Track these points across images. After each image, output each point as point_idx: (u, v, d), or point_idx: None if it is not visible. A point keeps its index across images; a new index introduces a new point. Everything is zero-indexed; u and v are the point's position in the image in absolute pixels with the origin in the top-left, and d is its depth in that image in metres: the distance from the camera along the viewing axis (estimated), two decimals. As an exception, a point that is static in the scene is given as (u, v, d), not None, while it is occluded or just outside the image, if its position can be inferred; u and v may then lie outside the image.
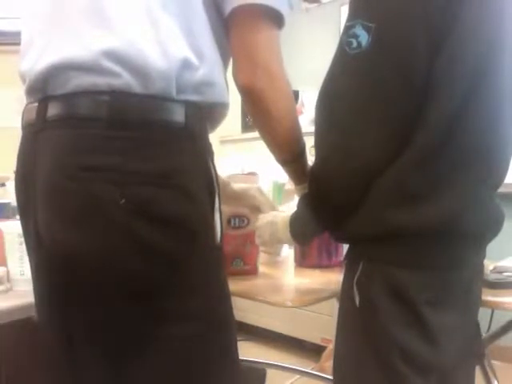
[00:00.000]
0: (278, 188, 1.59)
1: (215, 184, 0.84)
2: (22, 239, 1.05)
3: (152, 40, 0.75)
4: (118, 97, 0.74)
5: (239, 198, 1.15)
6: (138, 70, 0.74)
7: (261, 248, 1.33)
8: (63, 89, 0.76)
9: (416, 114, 0.76)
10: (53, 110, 0.77)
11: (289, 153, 0.95)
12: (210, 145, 0.86)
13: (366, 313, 0.81)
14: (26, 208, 0.83)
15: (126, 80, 0.74)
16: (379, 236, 0.80)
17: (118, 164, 0.73)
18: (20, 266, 1.09)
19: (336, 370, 0.89)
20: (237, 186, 1.16)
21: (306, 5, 2.92)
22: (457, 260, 0.82)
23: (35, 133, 0.80)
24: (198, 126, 0.82)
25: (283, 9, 0.82)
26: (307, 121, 2.47)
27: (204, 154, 0.83)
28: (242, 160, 2.79)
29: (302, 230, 0.96)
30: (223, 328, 0.86)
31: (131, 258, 0.75)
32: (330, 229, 0.92)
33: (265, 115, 0.87)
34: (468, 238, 0.81)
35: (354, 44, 0.75)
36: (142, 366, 0.79)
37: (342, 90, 0.79)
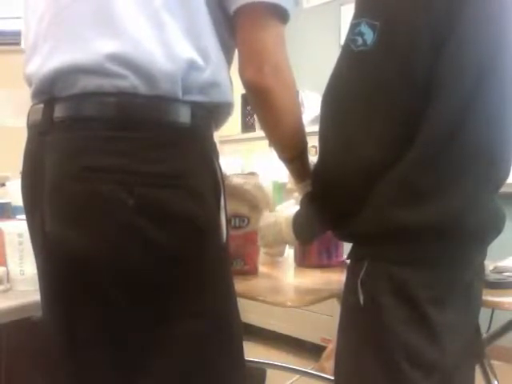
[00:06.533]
0: (278, 188, 1.59)
1: (221, 184, 0.85)
2: (22, 239, 1.06)
3: (157, 42, 0.75)
4: (124, 98, 0.75)
5: (236, 192, 1.15)
6: (144, 72, 0.75)
7: (264, 249, 1.33)
8: (69, 90, 0.76)
9: (419, 114, 0.76)
10: (59, 112, 0.77)
11: (292, 150, 0.95)
12: (215, 145, 0.87)
13: (370, 312, 0.81)
14: (33, 208, 0.83)
15: (132, 82, 0.74)
16: (382, 235, 0.80)
17: (124, 165, 0.74)
18: (20, 266, 1.08)
19: (337, 369, 0.89)
20: (234, 180, 1.16)
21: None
22: (458, 259, 0.82)
23: (41, 134, 0.80)
24: (203, 127, 0.82)
25: (288, 5, 0.82)
26: (307, 120, 2.47)
27: (210, 154, 0.84)
28: (241, 160, 2.79)
29: (306, 230, 0.96)
30: (228, 328, 0.86)
31: (137, 259, 0.75)
32: (333, 228, 0.92)
33: (270, 112, 0.88)
34: (469, 238, 0.81)
35: (360, 41, 0.76)
36: (146, 365, 0.79)
37: (346, 88, 0.79)
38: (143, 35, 0.75)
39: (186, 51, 0.77)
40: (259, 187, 1.17)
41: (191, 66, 0.77)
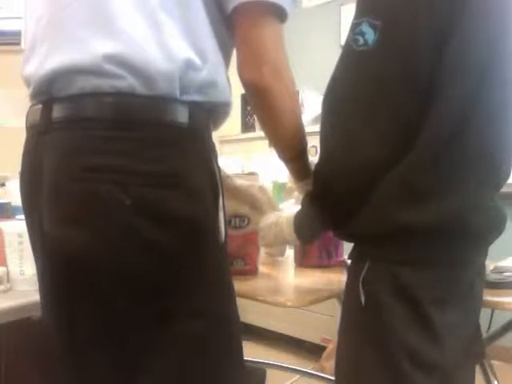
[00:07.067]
0: (278, 188, 1.59)
1: (219, 183, 0.85)
2: (22, 239, 1.06)
3: (154, 42, 0.75)
4: (122, 98, 0.75)
5: (238, 193, 1.15)
6: (141, 72, 0.75)
7: (264, 250, 1.32)
8: (68, 91, 0.76)
9: (420, 114, 0.76)
10: (57, 112, 0.77)
11: (292, 150, 0.95)
12: (213, 145, 0.87)
13: (372, 312, 0.81)
14: (32, 208, 0.83)
15: (129, 82, 0.74)
16: (384, 235, 0.80)
17: (122, 165, 0.74)
18: (20, 266, 1.08)
19: (338, 369, 0.89)
20: (239, 181, 1.16)
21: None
22: (459, 259, 0.82)
23: (40, 134, 0.80)
24: (201, 127, 0.82)
25: (286, 4, 0.82)
26: (307, 120, 2.47)
27: (208, 154, 0.84)
28: (241, 160, 2.79)
29: (307, 230, 0.96)
30: (228, 328, 0.86)
31: (136, 258, 0.75)
32: (334, 227, 0.92)
33: (270, 111, 0.88)
34: (470, 238, 0.81)
35: (361, 41, 0.76)
36: (145, 365, 0.79)
37: (348, 88, 0.79)
38: (140, 35, 0.75)
39: (183, 51, 0.77)
40: (264, 190, 1.16)
41: (188, 65, 0.77)
